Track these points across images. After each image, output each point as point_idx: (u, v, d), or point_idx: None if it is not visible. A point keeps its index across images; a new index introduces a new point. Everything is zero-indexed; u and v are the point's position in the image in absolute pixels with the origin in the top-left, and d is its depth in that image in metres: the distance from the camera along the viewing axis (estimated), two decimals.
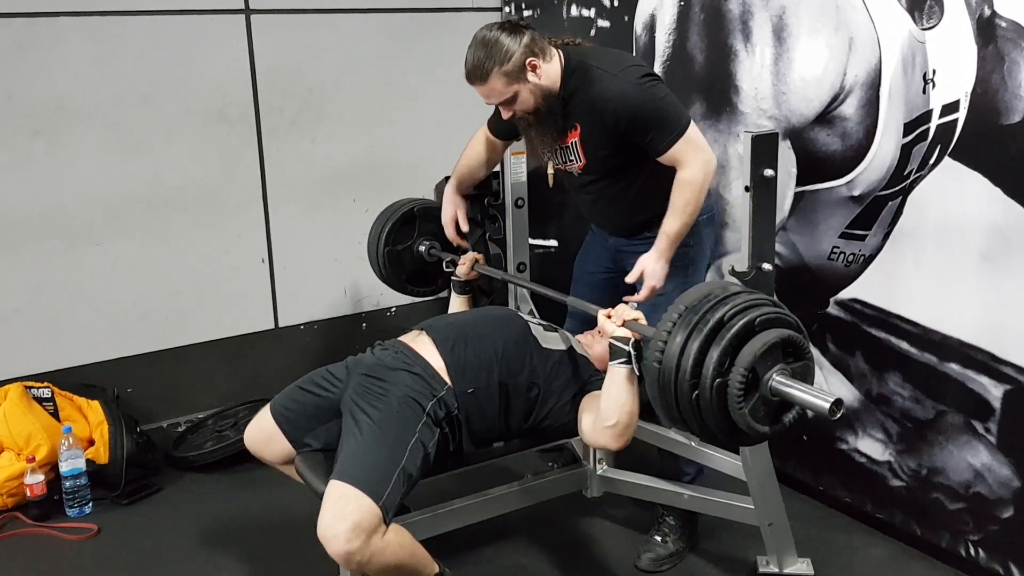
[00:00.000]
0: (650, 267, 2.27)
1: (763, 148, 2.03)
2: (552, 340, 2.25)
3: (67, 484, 2.77)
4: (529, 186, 2.89)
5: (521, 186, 2.88)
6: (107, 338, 3.21)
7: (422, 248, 2.84)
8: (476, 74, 2.21)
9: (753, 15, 2.65)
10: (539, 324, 2.32)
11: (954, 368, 2.30)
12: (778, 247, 2.57)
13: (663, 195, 2.28)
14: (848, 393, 2.57)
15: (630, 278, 2.32)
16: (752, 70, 2.69)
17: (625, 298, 2.24)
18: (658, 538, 2.50)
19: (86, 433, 2.93)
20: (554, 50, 2.28)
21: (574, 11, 3.33)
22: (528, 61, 2.20)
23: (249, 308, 3.48)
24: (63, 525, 2.74)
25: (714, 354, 1.65)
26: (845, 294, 2.56)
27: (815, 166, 2.56)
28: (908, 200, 2.35)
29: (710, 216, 2.47)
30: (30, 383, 2.96)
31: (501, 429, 2.18)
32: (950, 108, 2.21)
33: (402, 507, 2.02)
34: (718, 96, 2.81)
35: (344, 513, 1.83)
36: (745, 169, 2.05)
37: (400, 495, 1.91)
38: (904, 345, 2.41)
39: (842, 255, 2.55)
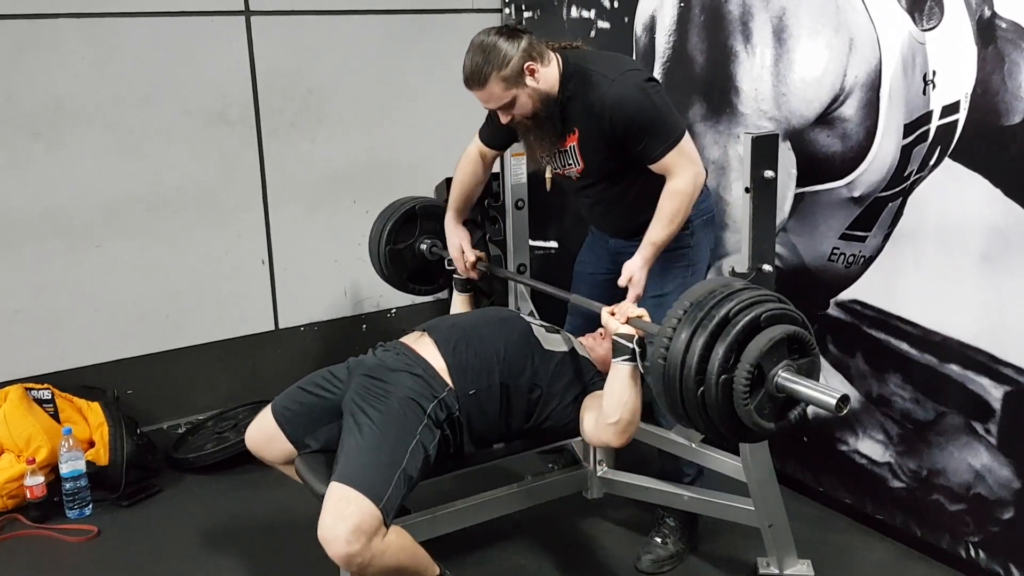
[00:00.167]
0: (636, 275, 2.26)
1: (763, 149, 2.03)
2: (554, 342, 2.26)
3: (67, 486, 2.77)
4: (529, 188, 2.88)
5: (521, 188, 2.88)
6: (107, 339, 3.21)
7: (424, 246, 2.83)
8: (474, 79, 2.20)
9: (753, 16, 2.65)
10: (541, 326, 2.32)
11: (954, 369, 2.30)
12: (778, 248, 2.56)
13: None
14: (848, 394, 2.56)
15: (621, 282, 2.32)
16: (752, 71, 2.69)
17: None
18: (658, 539, 2.50)
19: (86, 435, 2.93)
20: (552, 54, 2.27)
21: (574, 12, 3.32)
22: (526, 65, 2.19)
23: (249, 309, 3.47)
24: (63, 527, 2.74)
25: (719, 350, 1.64)
26: (845, 295, 2.56)
27: (815, 167, 2.56)
28: (908, 201, 2.35)
29: (710, 217, 2.47)
30: (30, 385, 2.96)
31: (502, 430, 2.18)
32: (950, 109, 2.21)
33: (402, 508, 2.02)
34: (718, 97, 2.81)
35: (345, 515, 1.83)
36: (745, 170, 2.05)
37: (400, 497, 1.91)
38: (904, 346, 2.41)
39: (842, 256, 2.55)
